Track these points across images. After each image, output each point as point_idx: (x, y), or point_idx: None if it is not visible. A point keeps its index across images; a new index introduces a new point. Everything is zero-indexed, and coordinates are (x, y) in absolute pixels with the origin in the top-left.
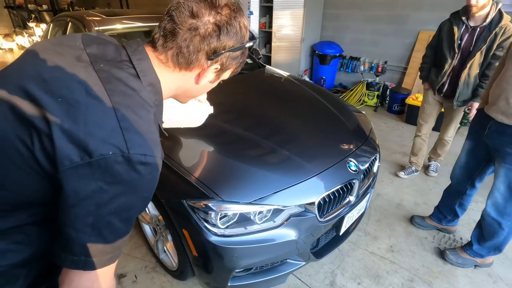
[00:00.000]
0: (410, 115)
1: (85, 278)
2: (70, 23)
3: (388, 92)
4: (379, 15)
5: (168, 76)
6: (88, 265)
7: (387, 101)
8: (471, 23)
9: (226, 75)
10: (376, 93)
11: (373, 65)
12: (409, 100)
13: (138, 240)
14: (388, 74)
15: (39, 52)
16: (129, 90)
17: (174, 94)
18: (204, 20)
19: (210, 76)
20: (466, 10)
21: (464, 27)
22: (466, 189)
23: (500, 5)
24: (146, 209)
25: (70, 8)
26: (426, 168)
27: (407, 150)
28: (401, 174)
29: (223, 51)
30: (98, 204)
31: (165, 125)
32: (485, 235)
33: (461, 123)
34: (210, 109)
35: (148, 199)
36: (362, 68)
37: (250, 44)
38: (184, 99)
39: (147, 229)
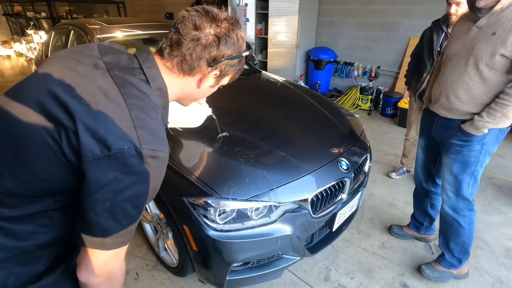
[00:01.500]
0: (402, 118)
1: (101, 257)
2: (72, 31)
3: (381, 96)
4: (371, 22)
5: (173, 81)
6: (105, 245)
7: (380, 105)
8: (450, 31)
9: (225, 81)
10: (370, 97)
11: (366, 70)
12: (401, 104)
13: (139, 240)
14: (381, 79)
15: (62, 60)
16: (141, 94)
17: (178, 97)
18: (206, 32)
19: (210, 81)
20: (446, 18)
21: (443, 34)
22: (430, 188)
23: None
24: (148, 208)
25: (69, 16)
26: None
27: (399, 152)
28: (393, 175)
29: (222, 59)
30: (114, 191)
31: (168, 125)
32: (449, 238)
33: None
34: (208, 111)
35: (156, 189)
36: (356, 73)
37: (247, 53)
38: (187, 102)
39: (148, 228)
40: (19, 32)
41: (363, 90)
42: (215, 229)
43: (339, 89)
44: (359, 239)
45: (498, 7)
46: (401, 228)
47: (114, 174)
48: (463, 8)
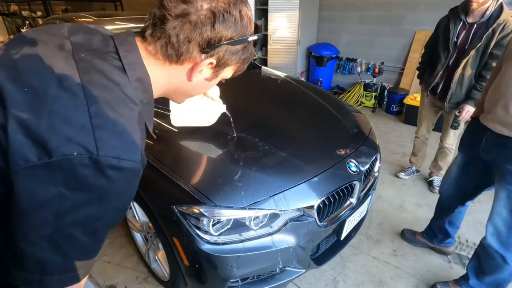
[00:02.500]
0: (409, 116)
1: None
2: None
3: (385, 93)
4: (374, 16)
5: (158, 70)
6: (44, 284)
7: (385, 102)
8: (469, 20)
9: (226, 73)
10: (374, 94)
11: (370, 66)
12: (408, 100)
13: (129, 249)
14: (385, 75)
15: (23, 40)
16: (111, 84)
17: (165, 91)
18: (197, 5)
19: (206, 72)
20: (466, 6)
21: (461, 23)
22: (456, 207)
23: None
24: (136, 216)
25: None
26: (430, 184)
27: (407, 151)
28: (402, 175)
29: (219, 43)
30: (57, 213)
31: (175, 123)
32: (485, 269)
33: (451, 126)
34: (222, 108)
35: (121, 210)
36: (359, 69)
37: (254, 37)
38: (178, 98)
39: (138, 237)
40: (15, 32)
41: (367, 87)
42: (208, 242)
43: (342, 86)
44: (368, 246)
45: None
46: (413, 234)
47: (57, 189)
48: None
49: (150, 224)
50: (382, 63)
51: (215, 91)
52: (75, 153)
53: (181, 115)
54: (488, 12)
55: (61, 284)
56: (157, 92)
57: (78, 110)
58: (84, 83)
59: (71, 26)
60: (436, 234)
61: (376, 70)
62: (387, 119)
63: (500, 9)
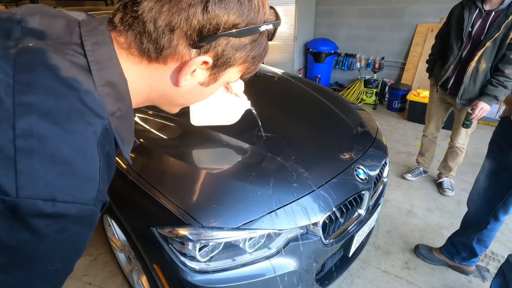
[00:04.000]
0: (413, 112)
1: None
2: None
3: (387, 89)
4: (374, 9)
5: (133, 71)
6: None
7: (386, 99)
8: (487, 7)
9: (230, 76)
10: (375, 90)
11: (369, 61)
12: (411, 97)
13: (113, 269)
14: (386, 70)
15: None
16: (62, 88)
17: (148, 99)
18: None
19: (199, 75)
20: None
21: (477, 11)
22: (487, 223)
23: None
24: (115, 234)
25: None
26: (439, 185)
27: (412, 150)
28: (409, 176)
29: (215, 34)
30: None
31: (195, 123)
32: None
33: (463, 124)
34: (247, 104)
35: (64, 270)
36: (358, 65)
37: (269, 26)
38: (167, 107)
39: (121, 256)
40: None
41: (367, 83)
42: (195, 271)
43: (341, 83)
44: (377, 258)
45: None
46: (430, 250)
47: None
48: None
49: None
50: (383, 58)
51: (240, 85)
52: None
53: (202, 114)
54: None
55: None
56: (136, 100)
57: None
58: (17, 84)
59: (30, 8)
60: (460, 251)
61: (376, 65)
62: (389, 116)
63: None
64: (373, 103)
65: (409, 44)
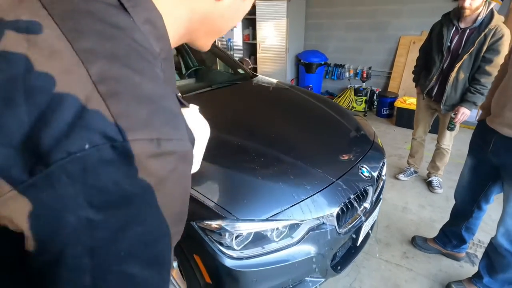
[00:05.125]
0: (400, 118)
1: None
2: None
3: (375, 97)
4: (360, 23)
5: (169, 1)
6: None
7: (375, 106)
8: (462, 25)
9: None
10: (364, 98)
11: (358, 71)
12: (398, 104)
13: None
14: (373, 79)
15: None
16: (111, 30)
17: (186, 33)
18: None
19: None
20: (458, 12)
21: (454, 29)
22: (472, 212)
23: (492, 5)
24: None
25: None
26: (429, 184)
27: (402, 153)
28: (401, 176)
29: None
30: (91, 250)
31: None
32: (497, 268)
33: (447, 127)
34: (195, 108)
35: (180, 216)
36: (347, 74)
37: None
38: (204, 39)
39: None
40: None
41: (357, 92)
42: (232, 257)
43: (331, 92)
44: (378, 249)
45: None
46: (425, 240)
47: (77, 215)
48: (478, 1)
49: None
50: (370, 68)
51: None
52: (86, 146)
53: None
54: (479, 18)
55: None
56: (175, 37)
57: (70, 77)
58: (67, 34)
59: None
60: (451, 239)
61: (364, 75)
62: (379, 122)
63: (491, 15)
64: (363, 110)
65: (394, 54)
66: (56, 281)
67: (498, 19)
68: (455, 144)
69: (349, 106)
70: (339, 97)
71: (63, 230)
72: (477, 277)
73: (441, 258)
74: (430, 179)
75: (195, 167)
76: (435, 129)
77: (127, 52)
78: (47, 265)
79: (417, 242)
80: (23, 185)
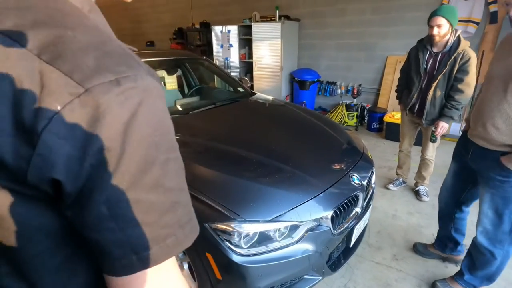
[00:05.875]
0: (389, 132)
1: (142, 281)
2: None
3: (365, 112)
4: (349, 43)
5: None
6: (145, 261)
7: (366, 121)
8: (434, 50)
9: None
10: (355, 113)
11: (349, 88)
12: (387, 118)
13: None
14: (364, 96)
15: None
16: (26, 2)
17: None
18: None
19: None
20: (430, 39)
21: (428, 53)
22: (455, 213)
23: (459, 32)
24: None
25: None
26: (416, 193)
27: (392, 164)
28: (391, 186)
29: None
30: (100, 186)
31: None
32: (477, 265)
33: (430, 140)
34: None
35: (168, 143)
36: (339, 91)
37: None
38: None
39: None
40: None
41: (348, 107)
42: (240, 254)
43: (324, 108)
44: (370, 253)
45: None
46: (425, 246)
47: (80, 163)
48: (445, 29)
49: None
50: (360, 85)
51: None
52: (58, 108)
53: None
54: (449, 43)
55: (166, 254)
56: None
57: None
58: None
59: None
60: (446, 243)
61: (355, 91)
62: (369, 136)
63: (458, 41)
64: (355, 125)
65: (382, 73)
66: (84, 212)
67: (464, 44)
68: (441, 155)
69: (341, 121)
70: (332, 112)
71: (80, 176)
72: (459, 274)
73: (428, 260)
74: (417, 188)
75: None
76: (420, 141)
77: (50, 15)
78: (77, 201)
79: (418, 248)
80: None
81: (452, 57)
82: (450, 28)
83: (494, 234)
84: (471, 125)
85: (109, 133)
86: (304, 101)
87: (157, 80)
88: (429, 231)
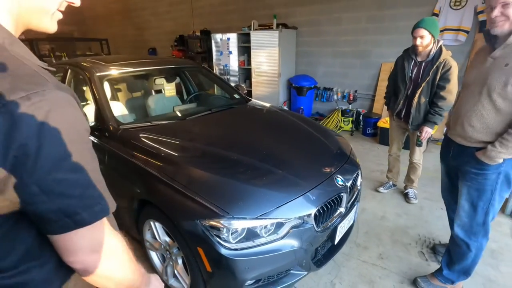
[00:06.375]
0: (383, 137)
1: (80, 237)
2: (69, 70)
3: (361, 118)
4: (345, 51)
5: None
6: (78, 222)
7: (361, 126)
8: (419, 59)
9: None
10: (351, 119)
11: (345, 94)
12: (381, 124)
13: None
14: (359, 101)
15: None
16: None
17: (21, 18)
18: None
19: None
20: (414, 49)
21: (413, 62)
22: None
23: (441, 42)
24: (157, 235)
25: (52, 54)
26: (405, 196)
27: (384, 168)
28: (381, 189)
29: None
30: (30, 172)
31: None
32: (454, 259)
33: (416, 144)
34: None
35: (79, 138)
36: (335, 97)
37: None
38: (40, 19)
39: (154, 257)
40: None
41: (344, 113)
42: (229, 248)
43: (321, 113)
44: (357, 252)
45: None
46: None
47: (11, 155)
48: (427, 40)
49: (170, 242)
50: (356, 91)
51: None
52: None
53: None
54: (431, 53)
55: (95, 217)
56: (15, 25)
57: None
58: None
59: None
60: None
61: (351, 97)
62: (364, 141)
63: (440, 50)
64: (350, 130)
65: (377, 79)
66: (20, 192)
67: (446, 54)
68: (432, 159)
69: (337, 126)
70: (328, 118)
71: (6, 164)
72: (438, 271)
73: (411, 258)
74: (406, 191)
75: None
76: (408, 146)
77: None
78: (16, 185)
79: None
80: None
81: (435, 66)
82: (432, 39)
83: (470, 226)
84: (451, 126)
85: (25, 134)
86: (301, 107)
87: (66, 91)
88: (415, 232)
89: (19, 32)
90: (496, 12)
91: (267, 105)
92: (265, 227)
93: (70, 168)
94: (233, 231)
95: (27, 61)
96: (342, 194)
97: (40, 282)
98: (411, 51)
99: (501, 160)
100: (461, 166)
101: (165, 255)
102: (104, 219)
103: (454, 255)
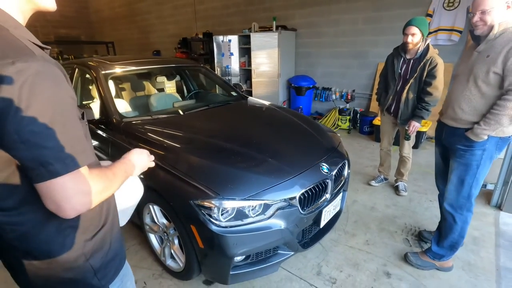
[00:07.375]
0: (378, 135)
1: (57, 185)
2: (76, 69)
3: (358, 116)
4: (343, 51)
5: None
6: (51, 172)
7: (358, 124)
8: (407, 56)
9: None
10: (348, 117)
11: (343, 93)
12: (376, 122)
13: (144, 253)
14: (357, 101)
15: None
16: None
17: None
18: None
19: None
20: (404, 46)
21: (402, 59)
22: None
23: (428, 41)
24: (155, 218)
25: (60, 57)
26: (396, 188)
27: (377, 164)
28: (373, 182)
29: None
30: (13, 124)
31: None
32: (443, 234)
33: (404, 138)
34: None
35: (62, 106)
36: (334, 96)
37: None
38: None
39: (153, 240)
40: None
41: (341, 112)
42: (219, 226)
43: (320, 112)
44: (345, 239)
45: (492, 35)
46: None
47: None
48: (417, 38)
49: (167, 223)
50: (353, 90)
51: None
52: None
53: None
54: (419, 51)
55: (66, 169)
56: (20, 8)
57: None
58: None
59: None
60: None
61: (349, 97)
62: (361, 138)
63: (427, 48)
64: (347, 128)
65: (374, 79)
66: (4, 138)
67: (433, 52)
68: (425, 156)
69: (334, 124)
70: (326, 116)
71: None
72: (428, 248)
73: (397, 245)
74: (396, 184)
75: (123, 220)
76: (398, 141)
77: None
78: (1, 132)
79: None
80: None
81: (422, 63)
82: (422, 37)
83: (456, 199)
84: (443, 111)
85: (9, 91)
86: (301, 106)
87: (51, 63)
88: (402, 221)
89: (28, 15)
90: (476, 18)
91: (262, 101)
92: (253, 208)
93: (46, 123)
94: (223, 211)
95: (23, 40)
96: (327, 180)
97: (36, 223)
98: (401, 49)
99: (485, 137)
100: (452, 145)
101: (163, 237)
102: (81, 170)
103: (443, 230)
